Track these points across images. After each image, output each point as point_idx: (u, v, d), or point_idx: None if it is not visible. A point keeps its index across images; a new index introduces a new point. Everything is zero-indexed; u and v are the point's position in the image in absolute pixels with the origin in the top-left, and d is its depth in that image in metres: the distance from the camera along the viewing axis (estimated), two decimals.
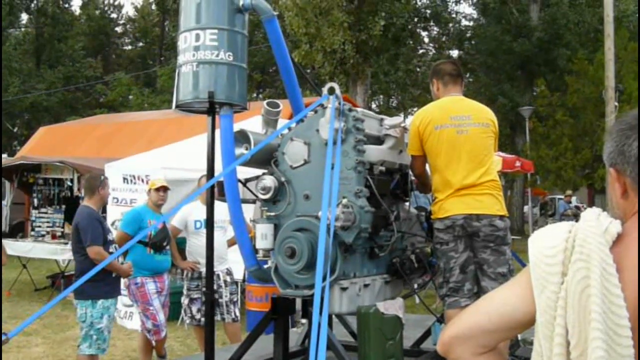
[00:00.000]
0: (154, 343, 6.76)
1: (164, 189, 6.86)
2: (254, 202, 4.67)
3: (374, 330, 4.05)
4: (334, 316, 4.97)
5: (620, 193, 1.48)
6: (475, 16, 36.12)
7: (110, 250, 6.02)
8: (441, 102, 4.62)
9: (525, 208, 29.13)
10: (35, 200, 13.36)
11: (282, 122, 4.66)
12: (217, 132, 4.42)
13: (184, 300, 7.13)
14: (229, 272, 7.16)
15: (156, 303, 6.67)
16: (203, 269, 6.54)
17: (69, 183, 12.65)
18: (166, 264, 6.87)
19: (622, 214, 1.49)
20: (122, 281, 6.68)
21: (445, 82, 4.69)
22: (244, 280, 8.88)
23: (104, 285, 5.83)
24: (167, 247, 6.84)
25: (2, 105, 30.60)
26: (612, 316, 1.32)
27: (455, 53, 37.62)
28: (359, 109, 4.40)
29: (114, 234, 6.48)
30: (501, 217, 4.42)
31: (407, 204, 4.88)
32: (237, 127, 4.45)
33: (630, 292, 1.33)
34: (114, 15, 46.97)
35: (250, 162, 4.32)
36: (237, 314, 7.17)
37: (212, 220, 4.62)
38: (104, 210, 10.51)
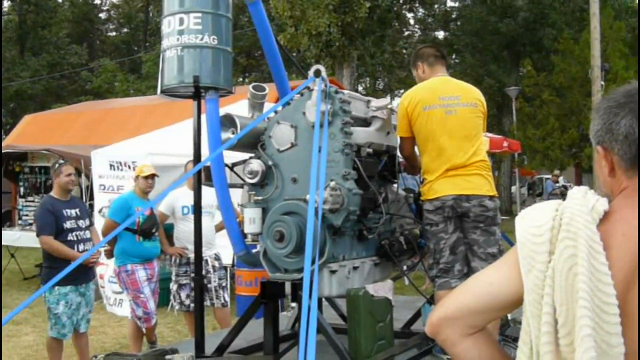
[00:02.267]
0: (144, 330, 6.76)
1: (153, 176, 6.82)
2: (241, 186, 4.64)
3: (364, 313, 4.05)
4: (323, 299, 4.97)
5: (607, 171, 1.48)
6: None
7: (69, 238, 6.04)
8: (429, 82, 4.60)
9: (513, 188, 29.24)
10: (22, 189, 13.28)
11: (268, 105, 4.63)
12: (203, 117, 4.39)
13: (173, 286, 7.13)
14: (217, 257, 7.15)
15: (147, 291, 6.66)
16: (191, 255, 6.53)
17: None
18: (156, 250, 6.86)
19: (609, 191, 1.49)
20: (112, 268, 6.62)
21: (430, 62, 4.68)
22: (233, 265, 8.88)
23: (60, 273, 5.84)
24: (156, 234, 6.83)
25: None
26: (599, 294, 1.31)
27: (440, 34, 37.62)
28: (345, 91, 4.38)
29: (82, 222, 6.30)
30: (491, 198, 4.42)
31: (395, 185, 4.88)
32: (223, 111, 4.42)
33: (617, 269, 1.33)
34: (97, 1, 46.54)
35: (237, 146, 4.30)
36: (227, 298, 7.17)
37: (199, 205, 4.61)
38: (92, 197, 10.49)
